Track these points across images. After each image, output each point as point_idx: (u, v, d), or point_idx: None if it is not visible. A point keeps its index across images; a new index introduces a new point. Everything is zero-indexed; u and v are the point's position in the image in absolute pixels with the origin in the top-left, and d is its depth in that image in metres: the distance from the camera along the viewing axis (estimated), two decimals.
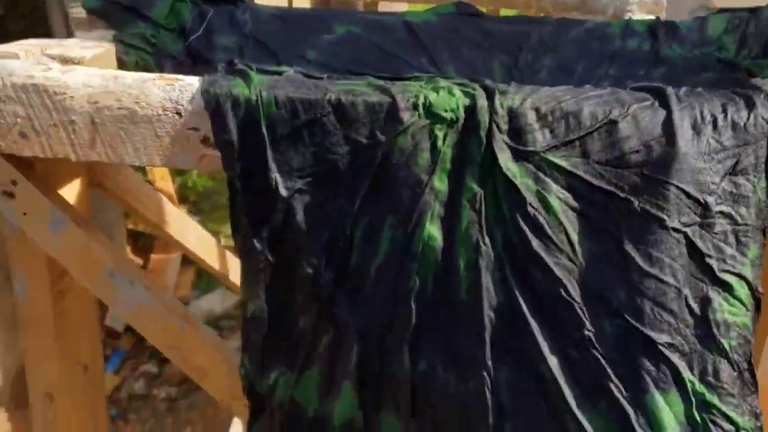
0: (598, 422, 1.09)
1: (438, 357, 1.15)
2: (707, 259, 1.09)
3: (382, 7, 4.37)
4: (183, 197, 5.16)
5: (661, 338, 1.08)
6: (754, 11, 1.55)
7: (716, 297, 1.10)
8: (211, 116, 1.11)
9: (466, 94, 1.11)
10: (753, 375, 1.11)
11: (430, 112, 1.09)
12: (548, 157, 1.09)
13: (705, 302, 1.09)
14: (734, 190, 1.09)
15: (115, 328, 3.93)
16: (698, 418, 1.08)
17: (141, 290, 1.28)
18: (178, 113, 1.14)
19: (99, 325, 1.67)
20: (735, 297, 1.10)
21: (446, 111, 1.09)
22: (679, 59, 1.48)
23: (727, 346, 1.09)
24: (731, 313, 1.10)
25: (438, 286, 1.13)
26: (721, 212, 1.09)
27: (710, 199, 1.08)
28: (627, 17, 2.08)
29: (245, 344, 1.20)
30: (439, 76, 1.18)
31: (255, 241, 1.14)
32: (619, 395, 1.08)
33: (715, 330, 1.09)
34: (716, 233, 1.10)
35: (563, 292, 1.09)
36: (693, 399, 1.08)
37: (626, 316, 1.08)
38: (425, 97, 1.09)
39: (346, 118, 1.10)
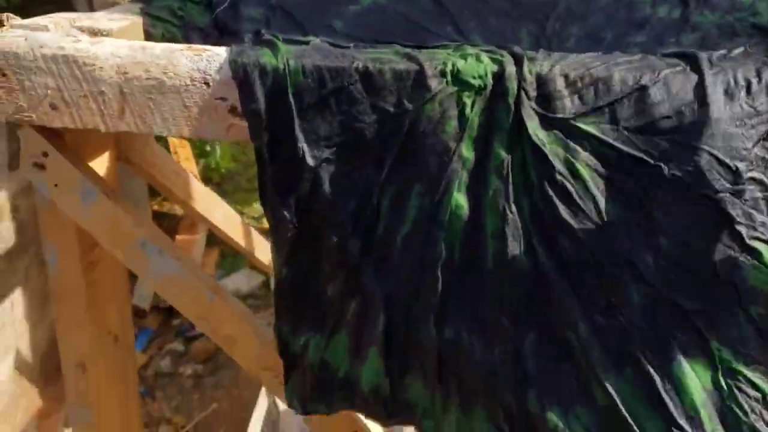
0: (623, 388, 1.09)
1: (464, 324, 1.16)
2: (737, 226, 1.07)
3: None
4: (206, 178, 5.20)
5: (689, 305, 1.07)
6: None
7: (745, 264, 1.08)
8: (239, 85, 1.12)
9: (494, 60, 1.10)
10: None
11: (457, 79, 1.09)
12: (577, 124, 1.08)
13: (733, 269, 1.08)
14: (766, 156, 1.08)
15: (141, 307, 3.98)
16: (724, 385, 1.07)
17: (171, 261, 1.30)
18: (206, 83, 1.15)
19: (129, 297, 1.69)
20: (764, 264, 1.08)
21: (474, 78, 1.09)
22: (711, 26, 1.45)
23: (754, 313, 1.08)
24: (759, 280, 1.08)
25: (464, 254, 1.13)
26: (753, 179, 1.08)
27: (741, 166, 1.06)
28: None
29: (277, 308, 1.22)
30: (466, 44, 1.17)
31: (283, 210, 1.15)
32: (645, 361, 1.08)
33: (742, 297, 1.08)
34: (746, 200, 1.08)
35: (591, 259, 1.09)
36: (719, 366, 1.08)
37: (654, 282, 1.08)
38: (453, 64, 1.09)
39: (373, 86, 1.10)
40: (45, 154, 1.26)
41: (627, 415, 1.08)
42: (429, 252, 1.13)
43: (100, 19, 1.37)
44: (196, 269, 1.34)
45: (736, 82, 1.07)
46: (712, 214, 1.06)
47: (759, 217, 1.09)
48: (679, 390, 1.06)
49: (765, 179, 1.08)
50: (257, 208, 5.32)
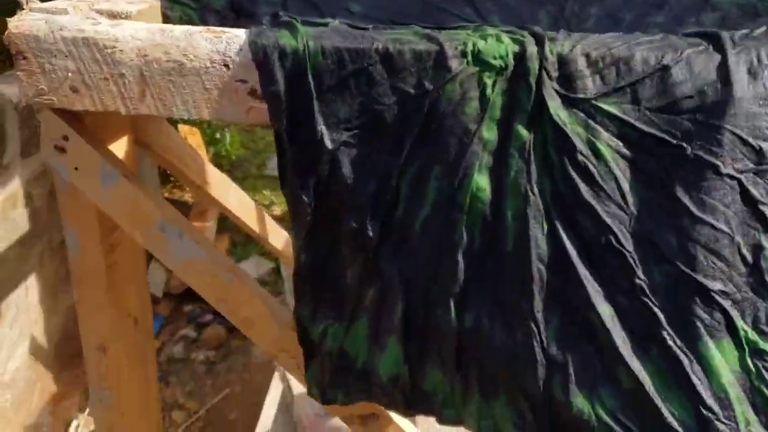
0: (649, 369, 1.08)
1: (484, 309, 1.15)
2: (761, 207, 1.07)
3: None
4: (217, 166, 5.20)
5: (714, 285, 1.07)
6: None
7: None
8: (259, 68, 1.11)
9: (515, 41, 1.09)
10: None
11: (478, 59, 1.08)
12: (599, 104, 1.08)
13: (758, 250, 1.08)
14: None
15: (154, 294, 4.01)
16: (751, 366, 1.07)
17: (190, 243, 1.30)
18: (226, 65, 1.15)
19: (147, 280, 1.70)
20: None
21: (495, 58, 1.08)
22: (731, 5, 1.44)
23: None
24: None
25: (485, 237, 1.13)
26: None
27: (765, 145, 1.06)
28: None
29: (296, 292, 1.22)
30: (486, 25, 1.16)
31: (301, 192, 1.15)
32: (671, 343, 1.07)
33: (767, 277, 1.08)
34: None
35: (613, 240, 1.08)
36: (746, 347, 1.07)
37: (677, 262, 1.07)
38: (474, 45, 1.08)
39: (393, 67, 1.09)
40: (65, 138, 1.26)
41: (654, 397, 1.07)
42: (449, 235, 1.13)
43: (118, 1, 1.37)
44: (214, 251, 1.34)
45: (759, 61, 1.06)
46: (736, 194, 1.06)
47: None
48: (707, 370, 1.06)
49: None
50: (267, 194, 5.34)
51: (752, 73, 1.06)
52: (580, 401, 1.11)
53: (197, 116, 1.19)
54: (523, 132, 1.08)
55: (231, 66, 1.15)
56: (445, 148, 1.11)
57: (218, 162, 5.30)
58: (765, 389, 1.06)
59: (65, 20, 1.17)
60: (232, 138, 5.27)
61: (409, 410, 1.27)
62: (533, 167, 1.09)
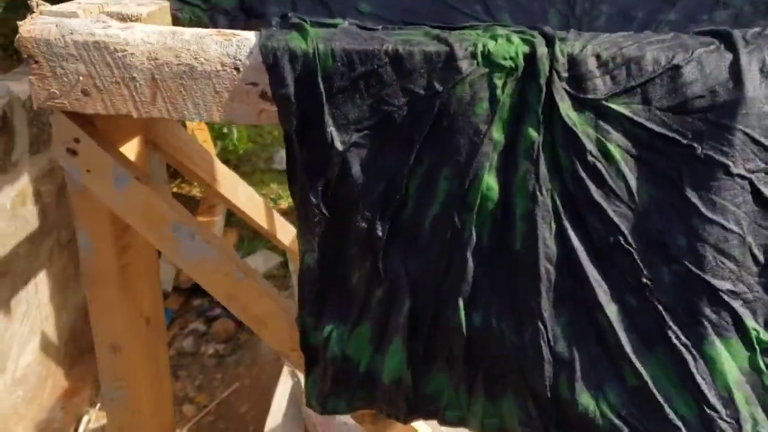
0: (655, 368, 1.09)
1: (493, 308, 1.16)
2: None
3: None
4: (224, 160, 5.20)
5: (723, 285, 1.07)
6: None
7: None
8: (269, 70, 1.12)
9: (525, 41, 1.09)
10: None
11: (488, 60, 1.08)
12: (609, 105, 1.08)
13: None
14: None
15: (164, 289, 4.03)
16: (762, 366, 1.07)
17: (202, 243, 1.31)
18: (236, 68, 1.15)
19: (159, 279, 1.71)
20: None
21: (505, 59, 1.08)
22: (744, 2, 1.43)
23: None
24: None
25: (494, 237, 1.13)
26: None
27: None
28: None
29: (301, 296, 1.22)
30: (496, 24, 1.16)
31: (310, 194, 1.15)
32: (677, 342, 1.08)
33: None
34: None
35: (622, 240, 1.09)
36: (757, 347, 1.07)
37: (686, 262, 1.07)
38: (484, 46, 1.08)
39: (403, 68, 1.09)
40: (77, 140, 1.27)
41: (658, 395, 1.08)
42: (458, 235, 1.13)
43: (128, 4, 1.37)
44: (226, 251, 1.35)
45: None
46: (747, 194, 1.06)
47: None
48: (713, 370, 1.07)
49: None
50: (274, 188, 5.34)
51: (764, 73, 1.05)
52: (585, 399, 1.12)
53: (208, 119, 1.19)
54: (533, 133, 1.09)
55: (241, 69, 1.15)
56: (455, 148, 1.11)
57: (226, 156, 5.30)
58: None
59: (76, 24, 1.18)
60: (240, 132, 5.27)
61: (411, 415, 1.27)
62: (542, 167, 1.09)
